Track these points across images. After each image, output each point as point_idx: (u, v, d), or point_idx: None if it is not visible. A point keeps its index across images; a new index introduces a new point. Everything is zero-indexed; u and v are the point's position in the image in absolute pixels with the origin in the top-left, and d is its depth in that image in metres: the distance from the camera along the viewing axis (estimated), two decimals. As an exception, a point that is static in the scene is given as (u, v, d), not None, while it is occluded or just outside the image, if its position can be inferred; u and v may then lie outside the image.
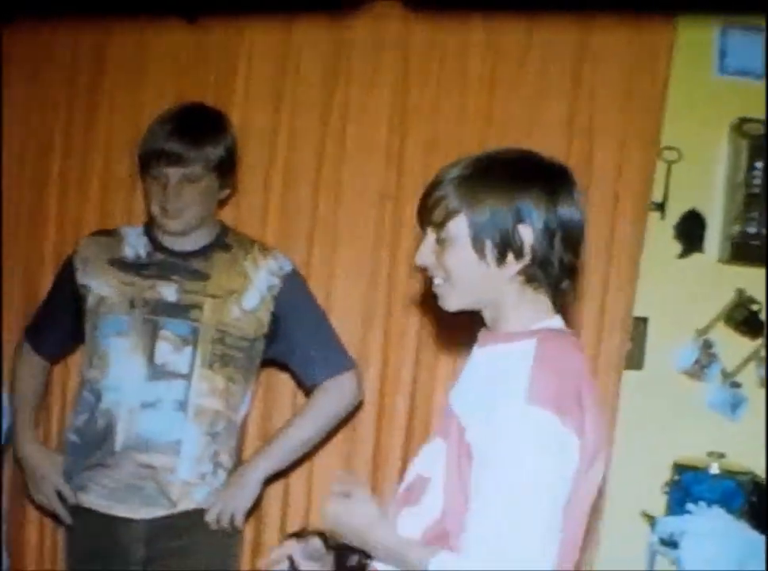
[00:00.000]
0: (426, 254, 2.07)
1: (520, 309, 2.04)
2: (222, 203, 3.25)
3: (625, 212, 3.35)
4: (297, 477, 3.46)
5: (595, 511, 3.25)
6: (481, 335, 2.12)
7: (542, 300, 2.05)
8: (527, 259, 1.99)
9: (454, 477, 1.99)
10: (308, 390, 3.24)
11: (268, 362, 3.27)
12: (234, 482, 3.08)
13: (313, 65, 3.49)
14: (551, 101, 3.40)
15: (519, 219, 1.98)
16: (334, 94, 3.47)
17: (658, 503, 3.40)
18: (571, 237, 2.02)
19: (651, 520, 3.36)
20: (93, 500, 3.07)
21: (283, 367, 3.34)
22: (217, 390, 3.05)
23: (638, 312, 3.41)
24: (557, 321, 2.07)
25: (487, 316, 2.09)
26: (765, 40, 3.33)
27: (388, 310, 3.42)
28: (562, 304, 2.10)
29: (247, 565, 3.43)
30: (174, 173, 3.00)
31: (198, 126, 3.07)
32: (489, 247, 1.99)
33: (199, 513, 3.05)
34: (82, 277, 3.13)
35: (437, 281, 2.08)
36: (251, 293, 3.08)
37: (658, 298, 3.43)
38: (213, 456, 3.05)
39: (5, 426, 2.98)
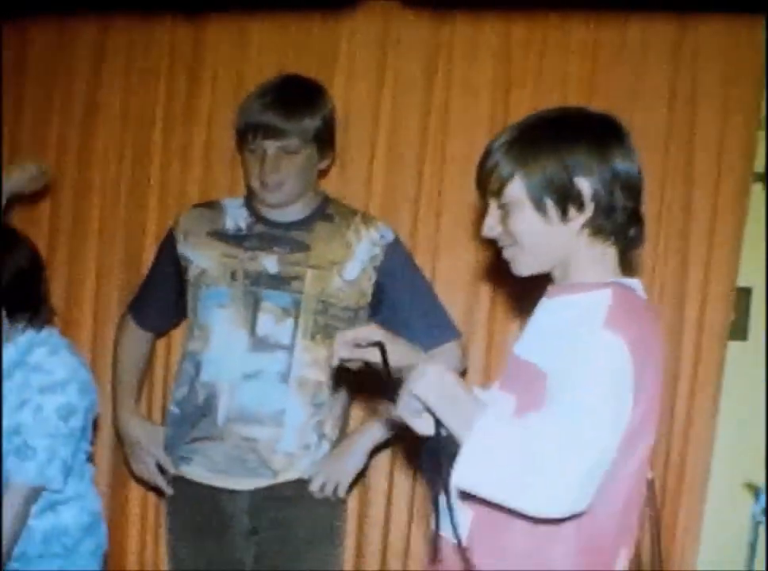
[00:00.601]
0: (491, 224, 2.12)
1: (591, 264, 2.08)
2: (323, 173, 3.25)
3: (728, 182, 3.32)
4: (402, 448, 3.44)
5: (699, 482, 3.32)
6: (551, 288, 2.16)
7: (611, 255, 2.10)
8: (590, 210, 2.03)
9: None
10: (412, 360, 3.24)
11: (373, 333, 3.27)
12: (340, 452, 3.10)
13: (415, 38, 3.47)
14: (652, 71, 3.36)
15: (573, 172, 2.02)
16: (436, 67, 3.46)
17: (761, 473, 3.35)
18: (630, 186, 2.06)
19: (755, 491, 3.35)
20: (196, 472, 3.09)
21: (388, 338, 3.32)
22: (320, 361, 3.05)
23: (741, 282, 3.38)
24: (631, 281, 2.11)
25: (557, 274, 2.13)
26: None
27: (494, 279, 3.40)
28: (632, 258, 2.19)
29: (353, 537, 3.45)
30: (271, 145, 3.01)
31: (295, 98, 3.06)
32: (549, 204, 2.04)
33: (303, 483, 3.06)
34: (183, 249, 3.15)
35: (507, 247, 2.12)
36: (352, 263, 3.08)
37: (761, 268, 3.39)
38: (317, 426, 3.06)
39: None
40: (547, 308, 2.15)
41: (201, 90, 3.59)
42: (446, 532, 2.05)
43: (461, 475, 1.87)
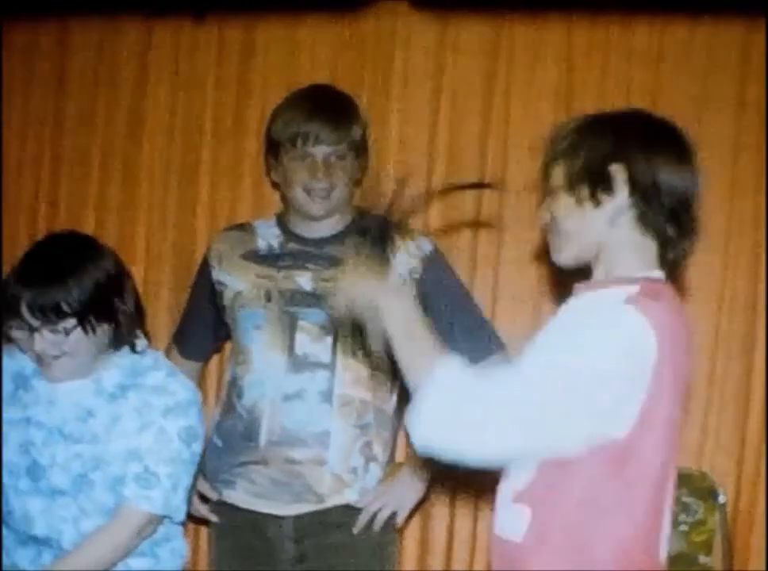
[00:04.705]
0: (542, 212, 2.14)
1: (625, 254, 2.06)
2: (357, 183, 3.15)
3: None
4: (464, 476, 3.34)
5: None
6: (577, 287, 2.12)
7: (648, 247, 2.05)
8: (623, 196, 2.00)
9: None
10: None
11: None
12: (402, 481, 3.01)
13: (473, 43, 3.38)
14: (720, 76, 3.27)
15: (611, 160, 2.00)
16: (496, 73, 3.37)
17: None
18: (674, 194, 2.02)
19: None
20: (240, 497, 3.00)
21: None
22: (362, 379, 2.97)
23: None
24: (659, 273, 2.06)
25: (596, 270, 2.10)
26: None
27: (559, 296, 3.28)
28: (675, 259, 2.08)
29: (413, 564, 3.37)
30: (320, 152, 2.94)
31: (336, 106, 3.02)
32: (581, 188, 2.03)
33: (350, 509, 2.96)
34: (217, 274, 3.08)
35: (550, 235, 2.12)
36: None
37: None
38: (364, 448, 2.97)
39: None
40: (570, 305, 2.11)
41: (250, 101, 3.50)
42: (502, 531, 2.05)
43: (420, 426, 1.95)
